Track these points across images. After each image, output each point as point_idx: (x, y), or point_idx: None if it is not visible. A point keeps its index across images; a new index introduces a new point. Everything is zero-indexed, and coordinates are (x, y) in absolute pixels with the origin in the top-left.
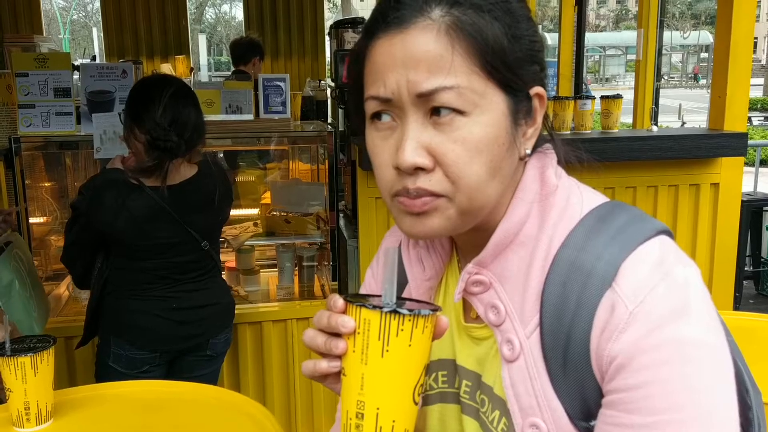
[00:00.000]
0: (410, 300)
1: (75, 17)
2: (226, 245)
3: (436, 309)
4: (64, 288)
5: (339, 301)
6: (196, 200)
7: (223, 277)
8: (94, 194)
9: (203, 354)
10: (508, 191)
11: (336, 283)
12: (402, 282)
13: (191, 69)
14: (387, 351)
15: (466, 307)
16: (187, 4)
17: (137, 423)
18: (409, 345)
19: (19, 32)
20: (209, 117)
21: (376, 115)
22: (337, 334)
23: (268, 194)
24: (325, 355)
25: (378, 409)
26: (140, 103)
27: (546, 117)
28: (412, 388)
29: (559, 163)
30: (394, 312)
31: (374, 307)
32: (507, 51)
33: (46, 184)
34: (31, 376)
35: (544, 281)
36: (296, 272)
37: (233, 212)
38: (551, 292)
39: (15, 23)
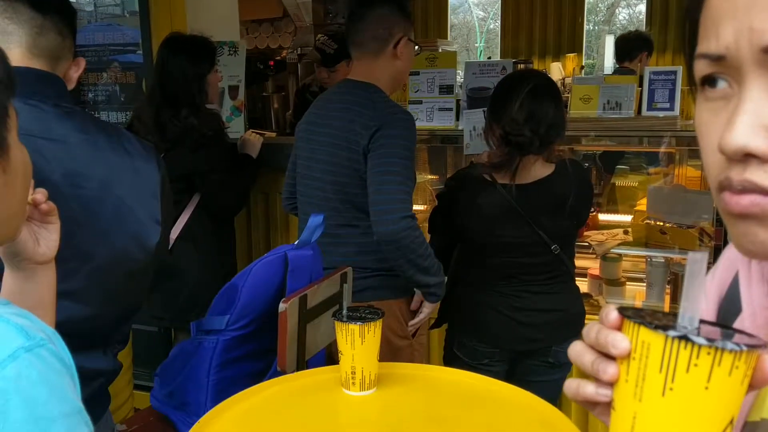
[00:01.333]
0: (736, 331)
1: (491, 26)
2: (591, 250)
3: (757, 345)
4: None
5: (612, 313)
6: (546, 201)
7: (584, 284)
8: (451, 188)
9: (545, 360)
10: None
11: None
12: (736, 308)
13: (581, 67)
14: (670, 390)
15: None
16: (585, 1)
17: (445, 410)
18: (706, 387)
19: (427, 38)
20: (583, 113)
21: (708, 81)
22: (609, 355)
23: (644, 200)
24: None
25: None
26: (499, 99)
27: None
28: None
29: None
30: (685, 339)
31: (657, 327)
32: None
33: (428, 177)
34: (359, 344)
35: None
36: (668, 290)
37: (602, 216)
38: None
39: (426, 31)
